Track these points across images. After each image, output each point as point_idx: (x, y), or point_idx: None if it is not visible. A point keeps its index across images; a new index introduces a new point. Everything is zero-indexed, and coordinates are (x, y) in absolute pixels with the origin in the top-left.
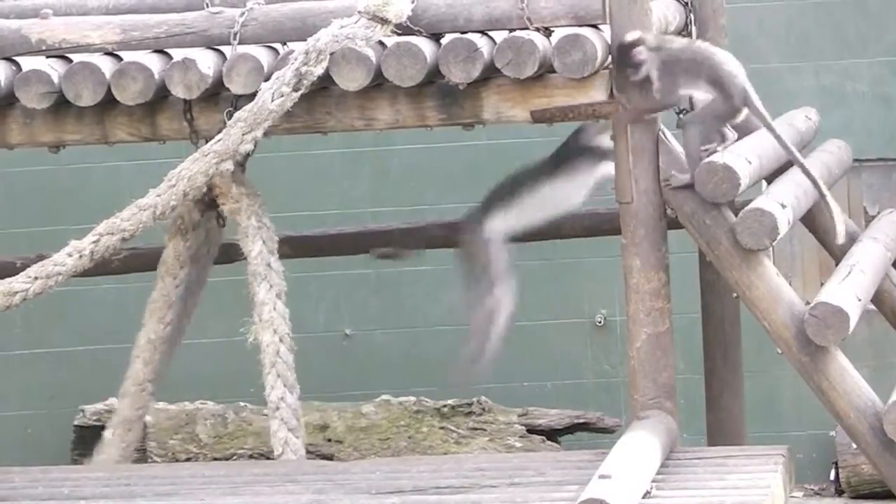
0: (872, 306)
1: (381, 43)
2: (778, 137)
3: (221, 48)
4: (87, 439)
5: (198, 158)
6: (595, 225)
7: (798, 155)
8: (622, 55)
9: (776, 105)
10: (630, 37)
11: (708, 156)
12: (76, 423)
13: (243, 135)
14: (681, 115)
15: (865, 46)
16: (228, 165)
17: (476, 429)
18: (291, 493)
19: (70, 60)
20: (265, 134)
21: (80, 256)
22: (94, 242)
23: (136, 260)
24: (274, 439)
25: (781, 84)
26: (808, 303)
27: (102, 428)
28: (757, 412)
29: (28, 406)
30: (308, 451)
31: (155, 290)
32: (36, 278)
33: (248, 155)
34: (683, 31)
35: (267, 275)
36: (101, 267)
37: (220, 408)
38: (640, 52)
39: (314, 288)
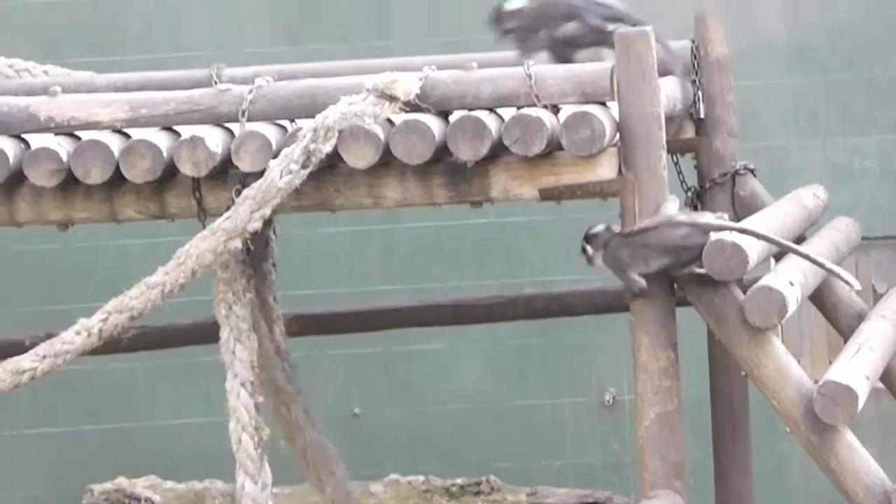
0: (881, 384)
1: (389, 120)
2: (762, 237)
3: (230, 125)
4: None
5: (206, 236)
6: (604, 303)
7: (790, 244)
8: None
9: (784, 182)
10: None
11: None
12: (84, 502)
13: (251, 212)
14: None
15: (873, 123)
16: (237, 243)
17: None
18: None
19: (79, 138)
20: (273, 211)
21: (89, 335)
22: (102, 321)
23: (145, 338)
24: None
25: (790, 161)
26: (816, 381)
27: None
28: (766, 490)
29: (36, 485)
30: None
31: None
32: (44, 357)
33: (259, 233)
34: (692, 107)
35: (232, 363)
36: (110, 345)
37: (229, 487)
38: (586, 251)
39: (323, 366)
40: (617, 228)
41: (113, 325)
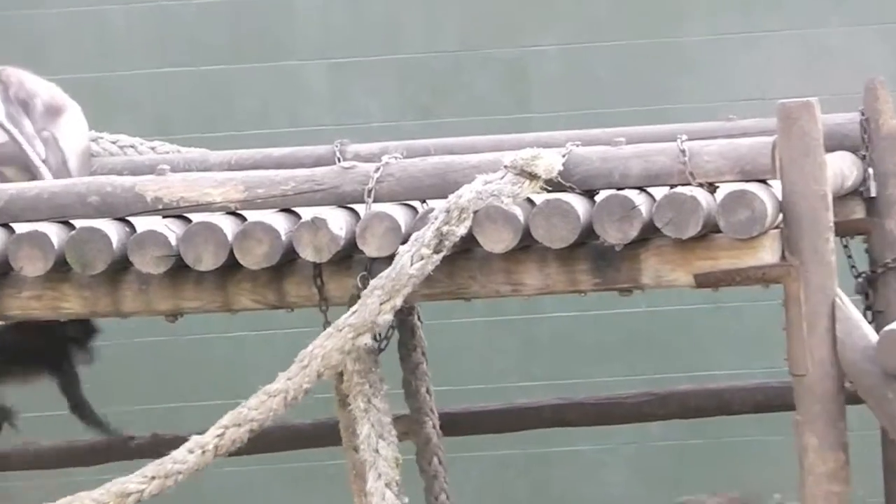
0: None
1: (529, 200)
2: None
3: (354, 206)
4: None
5: (331, 334)
6: (766, 400)
7: None
8: None
9: None
10: None
11: None
12: None
13: (381, 304)
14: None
15: None
16: (366, 339)
17: None
18: None
19: (189, 221)
20: (404, 302)
21: (203, 452)
22: (218, 436)
23: (261, 441)
24: None
25: None
26: None
27: None
28: None
29: None
30: None
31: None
32: (153, 478)
33: (403, 320)
34: (861, 186)
35: (375, 462)
36: None
37: None
38: None
39: (457, 469)
40: None
41: (230, 441)
